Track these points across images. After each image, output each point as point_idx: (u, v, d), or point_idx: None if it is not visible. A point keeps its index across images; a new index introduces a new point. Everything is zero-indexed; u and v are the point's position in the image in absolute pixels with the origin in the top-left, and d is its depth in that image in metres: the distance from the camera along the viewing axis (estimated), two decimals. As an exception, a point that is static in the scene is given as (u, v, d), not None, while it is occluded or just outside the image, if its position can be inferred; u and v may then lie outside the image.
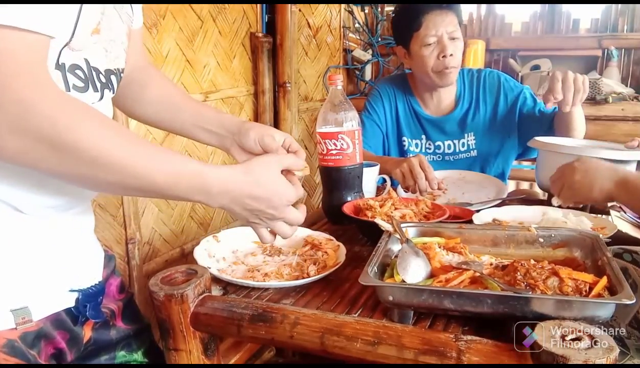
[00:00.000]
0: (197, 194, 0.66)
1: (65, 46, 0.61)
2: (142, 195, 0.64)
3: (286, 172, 0.77)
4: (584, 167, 0.99)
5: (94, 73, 0.67)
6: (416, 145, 1.68)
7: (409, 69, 1.69)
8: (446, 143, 1.66)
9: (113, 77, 0.72)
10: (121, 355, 0.82)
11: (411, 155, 1.59)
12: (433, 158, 1.66)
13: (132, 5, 0.78)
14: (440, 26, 1.48)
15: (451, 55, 1.48)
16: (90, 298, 0.75)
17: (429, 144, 1.67)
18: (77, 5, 0.60)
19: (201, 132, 0.88)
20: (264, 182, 0.71)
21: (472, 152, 1.67)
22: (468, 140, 1.66)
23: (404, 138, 1.68)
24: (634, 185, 0.91)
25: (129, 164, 0.59)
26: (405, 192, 1.36)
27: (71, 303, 0.72)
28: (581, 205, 1.12)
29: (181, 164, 0.65)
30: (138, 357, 0.85)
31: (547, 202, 1.27)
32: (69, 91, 0.63)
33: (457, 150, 1.67)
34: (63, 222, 0.71)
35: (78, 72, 0.64)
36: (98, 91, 0.68)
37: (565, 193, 1.02)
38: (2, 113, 0.51)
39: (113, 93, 0.74)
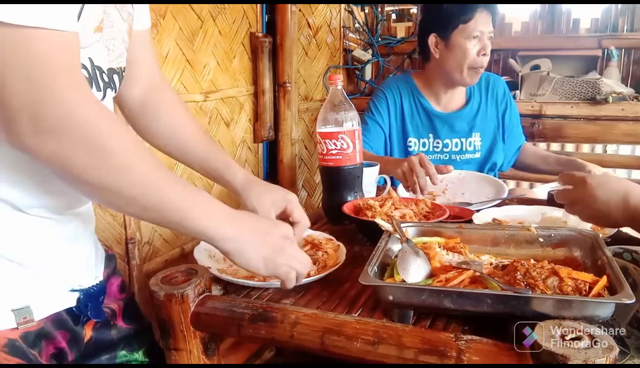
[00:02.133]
0: (207, 219, 0.66)
1: None
2: (155, 218, 0.64)
3: None
4: (601, 198, 0.87)
5: (97, 72, 0.67)
6: (423, 144, 1.68)
7: (410, 69, 1.70)
8: (454, 141, 1.67)
9: (115, 76, 0.72)
10: (122, 355, 0.82)
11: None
12: (440, 157, 1.67)
13: (135, 5, 0.78)
14: (486, 25, 1.53)
15: (487, 54, 1.55)
16: (91, 298, 0.75)
17: (437, 142, 1.68)
18: (79, 4, 0.60)
19: (208, 175, 0.92)
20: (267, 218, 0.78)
21: (477, 153, 1.68)
22: (475, 140, 1.68)
23: (410, 139, 1.68)
24: None
25: (153, 178, 0.61)
26: (407, 191, 1.36)
27: (72, 303, 0.73)
28: None
29: (195, 188, 0.68)
30: (139, 356, 0.85)
31: (547, 202, 1.27)
32: None
33: (464, 149, 1.68)
34: (64, 222, 0.71)
35: (83, 71, 0.64)
36: (101, 90, 0.69)
37: (576, 214, 0.95)
38: (45, 113, 0.51)
39: (115, 92, 0.74)
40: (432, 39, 1.61)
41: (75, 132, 0.53)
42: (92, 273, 0.77)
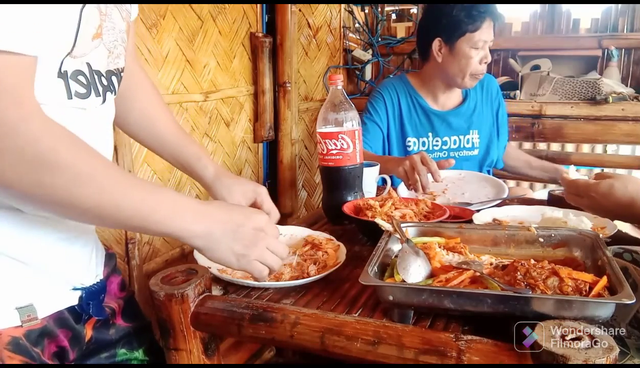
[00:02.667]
0: (172, 218, 0.65)
1: (67, 55, 0.61)
2: (117, 224, 0.64)
3: None
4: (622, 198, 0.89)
5: (95, 77, 0.67)
6: (423, 143, 1.69)
7: (410, 69, 1.70)
8: (452, 138, 1.69)
9: (114, 78, 0.72)
10: (122, 353, 0.82)
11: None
12: (439, 155, 1.68)
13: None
14: (489, 34, 1.56)
15: (488, 62, 1.58)
16: (92, 296, 0.75)
17: (436, 141, 1.69)
18: (77, 14, 0.60)
19: (179, 167, 0.92)
20: (240, 207, 0.75)
21: (475, 150, 1.69)
22: (472, 138, 1.69)
23: (409, 139, 1.69)
24: None
25: (107, 186, 0.59)
26: (409, 189, 1.36)
27: (74, 301, 0.73)
28: None
29: (159, 188, 0.67)
30: (139, 355, 0.85)
31: (548, 202, 1.27)
32: (71, 99, 0.63)
33: (462, 146, 1.69)
34: (64, 222, 0.71)
35: (80, 78, 0.64)
36: (100, 95, 0.68)
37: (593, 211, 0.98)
38: None
39: (114, 94, 0.73)
40: (436, 43, 1.61)
41: (18, 152, 0.52)
42: (93, 272, 0.78)
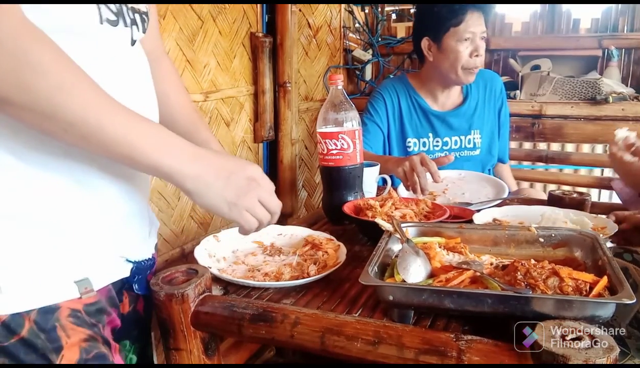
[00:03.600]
0: (162, 152, 0.62)
1: None
2: (101, 150, 0.60)
3: None
4: None
5: (123, 7, 0.67)
6: (423, 143, 1.69)
7: (410, 69, 1.70)
8: (453, 139, 1.68)
9: (137, 16, 0.71)
10: (123, 345, 0.82)
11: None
12: (439, 156, 1.67)
13: None
14: (478, 26, 1.53)
15: (480, 55, 1.55)
16: (141, 270, 0.77)
17: (437, 141, 1.68)
18: None
19: None
20: (235, 157, 0.73)
21: (476, 150, 1.69)
22: (474, 138, 1.69)
23: (409, 139, 1.69)
24: None
25: (93, 102, 0.56)
26: (407, 190, 1.36)
27: (126, 274, 0.74)
28: None
29: (150, 121, 0.63)
30: (132, 351, 0.84)
31: (547, 202, 1.27)
32: (102, 24, 0.63)
33: (464, 146, 1.69)
34: (123, 197, 0.71)
35: (110, 6, 0.64)
36: (128, 26, 0.68)
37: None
38: None
39: (141, 32, 0.73)
40: (424, 42, 1.62)
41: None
42: (147, 247, 0.79)
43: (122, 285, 0.76)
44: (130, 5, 0.69)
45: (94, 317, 0.67)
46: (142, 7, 0.73)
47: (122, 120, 0.59)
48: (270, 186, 0.74)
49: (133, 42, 0.70)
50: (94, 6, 0.62)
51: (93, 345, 0.66)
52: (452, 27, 1.53)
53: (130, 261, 0.75)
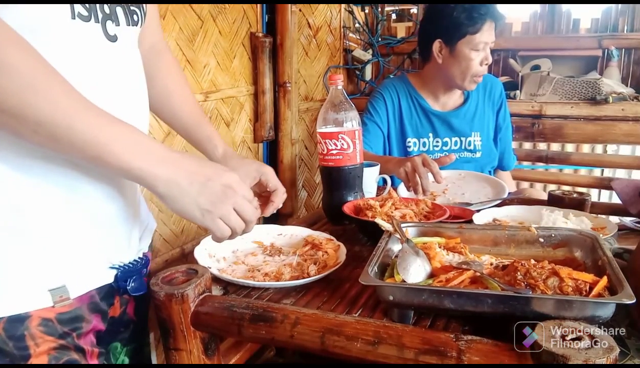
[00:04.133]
0: (133, 154, 0.60)
1: None
2: (70, 151, 0.57)
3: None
4: None
5: (97, 5, 0.65)
6: (423, 144, 1.69)
7: (410, 69, 1.70)
8: (453, 139, 1.68)
9: (119, 9, 0.69)
10: (113, 347, 0.81)
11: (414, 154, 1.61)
12: (439, 156, 1.67)
13: None
14: (490, 35, 1.54)
15: (489, 63, 1.57)
16: (132, 272, 0.75)
17: (437, 141, 1.68)
18: None
19: (192, 142, 0.93)
20: (212, 163, 0.72)
21: (477, 153, 1.69)
22: (474, 140, 1.68)
23: (409, 139, 1.69)
24: None
25: (62, 102, 0.55)
26: (408, 191, 1.36)
27: (109, 280, 0.73)
28: None
29: (122, 122, 0.61)
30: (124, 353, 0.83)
31: (547, 202, 1.27)
32: (74, 19, 0.61)
33: (464, 148, 1.69)
34: (106, 202, 0.70)
35: (79, 5, 0.62)
36: (99, 22, 0.65)
37: None
38: None
39: (124, 26, 0.70)
40: (436, 45, 1.61)
41: None
42: (134, 248, 0.78)
43: (110, 289, 0.74)
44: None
45: (67, 325, 0.66)
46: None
47: (93, 121, 0.57)
48: (249, 194, 0.72)
49: (113, 38, 0.67)
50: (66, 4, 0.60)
51: (63, 353, 0.65)
52: (468, 34, 1.53)
53: (114, 267, 0.73)
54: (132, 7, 0.73)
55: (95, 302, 0.71)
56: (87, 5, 0.63)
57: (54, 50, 0.59)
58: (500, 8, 1.61)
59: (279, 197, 0.91)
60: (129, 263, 0.76)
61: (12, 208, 0.61)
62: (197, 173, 0.66)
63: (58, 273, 0.65)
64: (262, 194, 0.94)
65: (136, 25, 0.74)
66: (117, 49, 0.68)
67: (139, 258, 0.79)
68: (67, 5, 0.60)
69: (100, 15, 0.66)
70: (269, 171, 0.92)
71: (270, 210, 0.91)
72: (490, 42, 1.55)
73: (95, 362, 0.70)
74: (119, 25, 0.69)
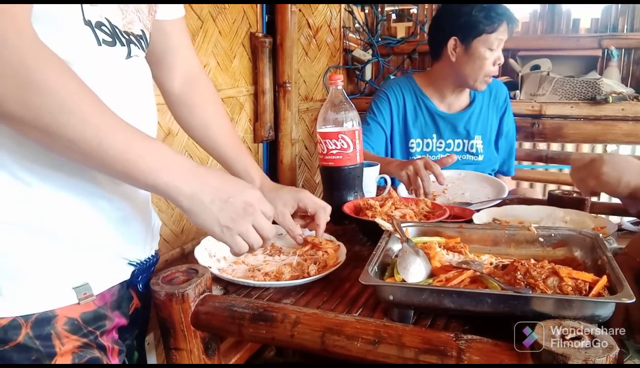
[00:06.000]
0: (159, 170, 0.63)
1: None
2: (102, 167, 0.61)
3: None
4: (614, 160, 0.95)
5: (116, 30, 0.68)
6: (427, 144, 1.69)
7: (410, 69, 1.70)
8: (456, 141, 1.68)
9: (133, 38, 0.73)
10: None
11: (417, 156, 1.61)
12: (442, 157, 1.67)
13: None
14: (504, 35, 1.55)
15: (501, 63, 1.58)
16: (145, 270, 0.79)
17: (440, 143, 1.68)
18: None
19: (230, 173, 0.95)
20: (236, 179, 0.74)
21: (479, 156, 1.69)
22: (476, 143, 1.68)
23: (412, 140, 1.69)
24: None
25: (93, 120, 0.57)
26: (410, 194, 1.36)
27: (127, 277, 0.75)
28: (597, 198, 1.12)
29: (150, 138, 0.64)
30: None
31: (547, 202, 1.27)
32: (100, 45, 0.65)
33: (466, 150, 1.68)
34: (121, 199, 0.73)
35: (104, 28, 0.66)
36: (125, 45, 0.70)
37: (589, 183, 0.98)
38: None
39: (142, 50, 0.75)
40: (451, 42, 1.59)
41: (4, 64, 0.52)
42: (149, 246, 0.81)
43: (129, 286, 0.78)
44: (124, 30, 0.71)
45: (91, 324, 0.69)
46: (137, 30, 0.74)
47: (122, 139, 0.60)
48: (269, 211, 0.74)
49: (129, 56, 0.71)
50: (89, 31, 0.64)
51: (86, 351, 0.68)
52: (485, 33, 1.53)
53: (132, 264, 0.76)
54: (138, 37, 0.75)
55: (118, 298, 0.74)
56: (109, 32, 0.67)
57: (83, 74, 0.61)
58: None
59: (322, 218, 0.94)
60: (145, 260, 0.79)
61: (38, 212, 0.64)
62: (220, 189, 0.68)
63: (81, 272, 0.68)
64: (307, 216, 0.98)
65: (145, 51, 0.78)
66: (132, 63, 0.73)
67: (152, 255, 0.82)
68: (92, 35, 0.64)
69: (124, 40, 0.70)
70: (305, 196, 0.94)
71: (321, 232, 0.96)
72: (503, 42, 1.56)
73: (115, 359, 0.73)
74: (139, 48, 0.74)
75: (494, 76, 1.61)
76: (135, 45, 0.72)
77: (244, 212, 0.70)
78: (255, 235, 0.72)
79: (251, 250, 0.74)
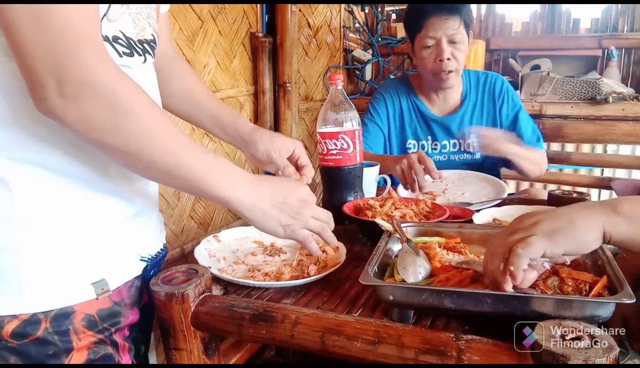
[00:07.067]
0: (224, 184, 0.69)
1: (104, 17, 0.65)
2: (176, 183, 0.67)
3: None
4: (563, 211, 0.67)
5: (131, 41, 0.71)
6: (422, 146, 1.68)
7: (410, 70, 1.70)
8: (451, 142, 1.67)
9: (146, 45, 0.76)
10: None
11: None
12: (439, 158, 1.66)
13: None
14: (440, 30, 1.48)
15: (448, 59, 1.50)
16: (156, 264, 0.82)
17: (435, 145, 1.67)
18: None
19: (218, 132, 0.96)
20: (283, 179, 0.82)
21: (477, 154, 1.68)
22: (473, 142, 1.67)
23: (409, 141, 1.68)
24: (631, 206, 0.64)
25: (170, 142, 0.63)
26: (406, 189, 1.36)
27: (139, 272, 0.78)
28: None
29: (212, 153, 0.70)
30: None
31: (547, 202, 1.27)
32: (122, 57, 0.69)
33: (462, 150, 1.67)
34: (133, 198, 0.76)
35: (120, 41, 0.69)
36: (141, 55, 0.73)
37: (541, 243, 0.63)
38: (68, 80, 0.55)
39: (153, 57, 0.78)
40: (409, 48, 1.64)
41: (97, 97, 0.56)
42: (158, 240, 0.84)
43: (142, 281, 0.80)
44: (137, 39, 0.74)
45: (106, 321, 0.72)
46: (149, 35, 0.77)
47: (194, 157, 0.66)
48: (315, 200, 0.81)
49: (144, 62, 0.76)
50: (107, 46, 0.66)
51: (101, 347, 0.70)
52: (416, 33, 1.53)
53: (143, 259, 0.79)
54: (151, 43, 0.78)
55: (133, 293, 0.77)
56: (125, 45, 0.70)
57: None
58: (501, 8, 1.59)
59: (310, 172, 0.97)
60: (155, 254, 0.82)
61: (59, 211, 0.67)
62: (275, 193, 0.75)
63: (98, 268, 0.71)
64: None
65: (154, 57, 0.81)
66: (147, 67, 0.77)
67: (161, 249, 0.85)
68: (113, 50, 0.68)
69: (140, 50, 0.73)
70: (300, 145, 0.97)
71: (308, 179, 0.98)
72: (445, 36, 1.48)
73: (126, 356, 0.76)
74: (152, 56, 0.78)
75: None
76: (149, 52, 0.76)
77: (301, 208, 0.76)
78: (315, 222, 0.78)
79: (322, 232, 0.80)
